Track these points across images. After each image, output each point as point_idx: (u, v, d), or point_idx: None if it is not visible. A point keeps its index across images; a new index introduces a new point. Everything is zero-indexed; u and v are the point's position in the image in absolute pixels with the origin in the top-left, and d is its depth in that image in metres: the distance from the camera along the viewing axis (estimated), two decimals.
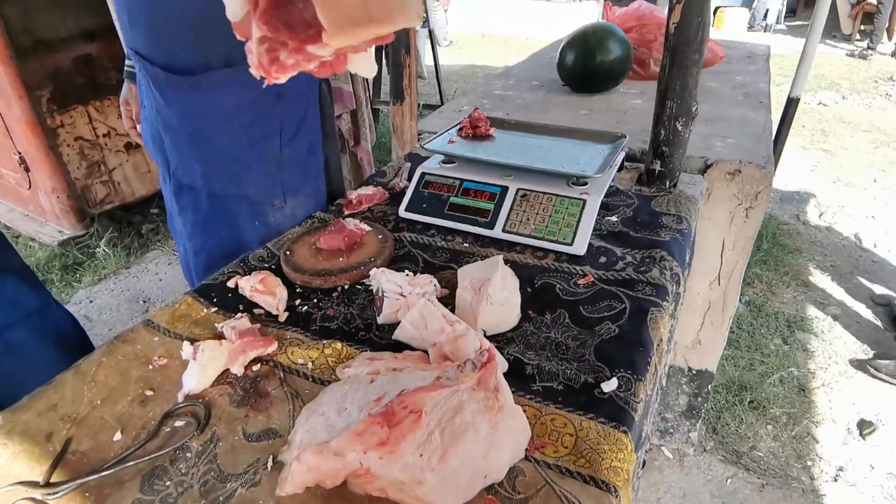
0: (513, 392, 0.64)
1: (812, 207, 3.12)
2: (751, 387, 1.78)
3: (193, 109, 1.02)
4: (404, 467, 0.53)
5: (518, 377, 0.69)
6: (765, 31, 8.27)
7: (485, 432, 0.56)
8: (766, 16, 8.35)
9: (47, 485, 0.59)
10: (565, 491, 0.55)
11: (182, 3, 0.94)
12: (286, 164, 1.11)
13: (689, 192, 1.13)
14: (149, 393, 0.69)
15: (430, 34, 3.81)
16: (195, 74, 0.99)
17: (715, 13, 7.71)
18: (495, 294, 0.77)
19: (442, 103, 4.06)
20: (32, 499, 0.57)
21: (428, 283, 0.82)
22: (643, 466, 0.87)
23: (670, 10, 1.00)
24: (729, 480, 1.52)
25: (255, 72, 0.44)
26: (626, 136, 1.11)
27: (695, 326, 1.43)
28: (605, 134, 1.13)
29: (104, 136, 2.69)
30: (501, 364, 0.70)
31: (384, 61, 2.45)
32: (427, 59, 4.83)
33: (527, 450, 0.59)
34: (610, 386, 0.66)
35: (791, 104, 1.48)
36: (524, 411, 0.62)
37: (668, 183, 1.13)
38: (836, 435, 1.65)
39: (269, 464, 0.59)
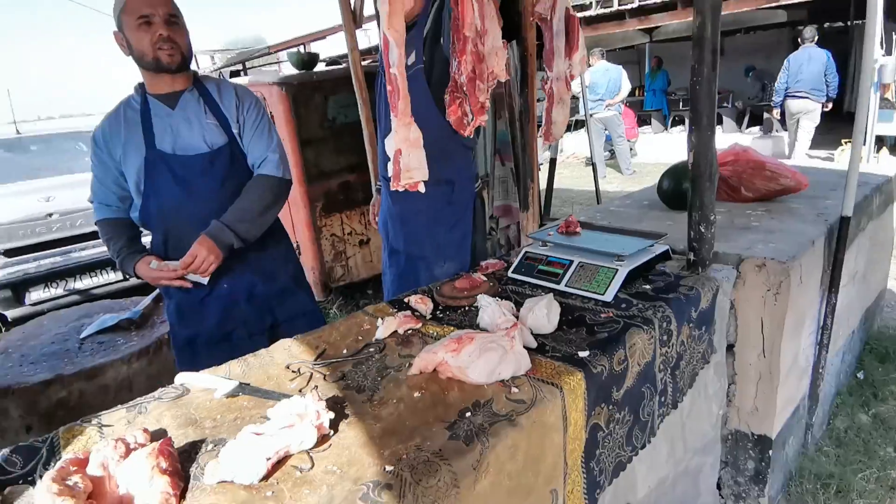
0: (531, 353, 1.22)
1: None
2: (843, 478, 1.87)
3: (403, 207, 1.87)
4: (461, 361, 1.15)
5: (540, 350, 1.26)
6: None
7: (500, 354, 1.15)
8: None
9: (314, 363, 1.33)
10: (536, 386, 1.11)
11: None
12: (448, 243, 1.87)
13: (713, 274, 1.58)
14: (360, 338, 1.43)
15: (594, 167, 4.54)
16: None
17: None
18: (539, 310, 1.36)
19: None
20: (308, 366, 1.32)
21: (506, 303, 1.45)
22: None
23: (688, 156, 1.55)
24: None
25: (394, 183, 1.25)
26: (665, 234, 1.63)
27: (751, 394, 1.73)
28: (651, 233, 1.66)
29: (348, 234, 3.88)
30: (531, 342, 1.28)
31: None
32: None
33: (527, 372, 1.16)
34: (583, 353, 1.20)
35: (843, 223, 1.76)
36: (532, 360, 1.19)
37: (699, 269, 1.60)
38: None
39: (407, 365, 1.26)
